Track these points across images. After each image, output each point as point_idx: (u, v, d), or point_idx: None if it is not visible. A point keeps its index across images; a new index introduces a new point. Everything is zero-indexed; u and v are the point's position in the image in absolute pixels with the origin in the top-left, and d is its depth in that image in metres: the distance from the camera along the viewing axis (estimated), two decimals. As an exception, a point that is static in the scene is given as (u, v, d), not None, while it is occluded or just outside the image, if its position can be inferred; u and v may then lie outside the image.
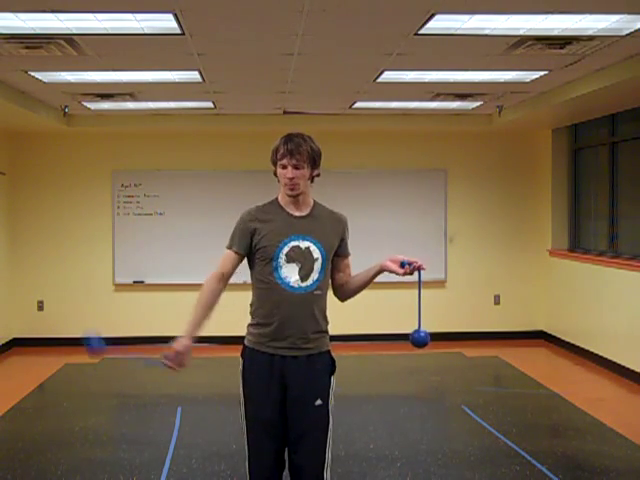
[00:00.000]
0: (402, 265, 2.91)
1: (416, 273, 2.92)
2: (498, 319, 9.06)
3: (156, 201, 8.73)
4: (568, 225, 8.78)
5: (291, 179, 2.90)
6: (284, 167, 2.91)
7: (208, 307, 2.96)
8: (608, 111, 7.38)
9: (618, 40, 4.73)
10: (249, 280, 3.01)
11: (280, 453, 2.94)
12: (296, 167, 2.89)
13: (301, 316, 2.91)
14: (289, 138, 2.93)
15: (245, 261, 3.02)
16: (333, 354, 3.03)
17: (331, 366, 3.00)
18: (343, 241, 3.07)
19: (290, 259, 2.90)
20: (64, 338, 8.65)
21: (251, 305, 3.02)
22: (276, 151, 2.94)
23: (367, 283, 3.07)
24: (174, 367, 2.87)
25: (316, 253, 2.95)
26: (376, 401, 6.30)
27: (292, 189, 2.92)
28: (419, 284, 2.93)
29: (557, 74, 5.91)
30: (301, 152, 2.89)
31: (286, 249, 2.91)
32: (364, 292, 3.18)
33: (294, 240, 2.93)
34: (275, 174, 3.00)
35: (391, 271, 2.93)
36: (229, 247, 2.99)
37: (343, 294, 3.12)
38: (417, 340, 2.97)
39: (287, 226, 2.94)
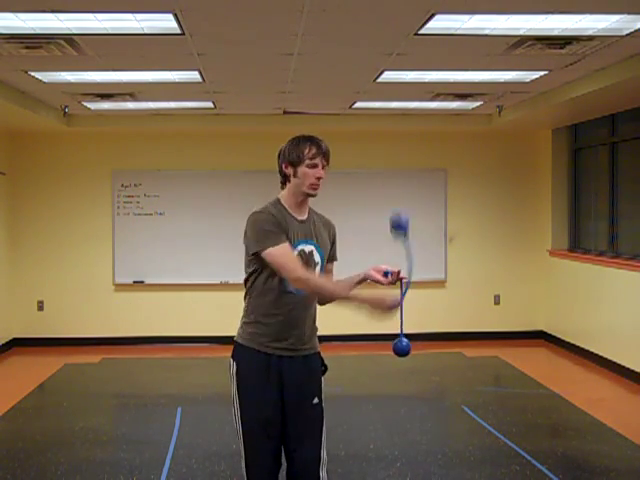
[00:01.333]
0: (385, 274, 2.91)
1: (400, 283, 2.91)
2: (498, 319, 9.06)
3: (156, 201, 8.73)
4: (568, 225, 8.78)
5: (319, 179, 2.90)
6: (315, 166, 2.90)
7: (337, 283, 2.95)
8: (608, 111, 7.38)
9: (618, 40, 4.73)
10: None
11: (278, 453, 2.95)
12: (323, 168, 2.93)
13: (303, 318, 2.93)
14: (314, 139, 2.93)
15: (243, 261, 2.99)
16: (322, 354, 3.06)
17: (322, 366, 3.03)
18: (334, 246, 3.10)
19: None
20: (64, 338, 8.67)
21: (248, 304, 2.98)
22: (303, 150, 2.89)
23: None
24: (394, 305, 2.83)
25: (317, 257, 2.97)
26: (376, 401, 6.30)
27: (316, 189, 2.92)
28: (401, 294, 2.90)
29: (557, 74, 5.90)
30: (329, 157, 2.95)
31: (295, 253, 2.90)
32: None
33: (301, 244, 2.93)
34: (287, 174, 2.94)
35: (375, 280, 2.92)
36: (274, 245, 2.79)
37: (324, 298, 3.04)
38: (400, 349, 2.93)
39: (296, 230, 2.93)
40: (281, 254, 2.80)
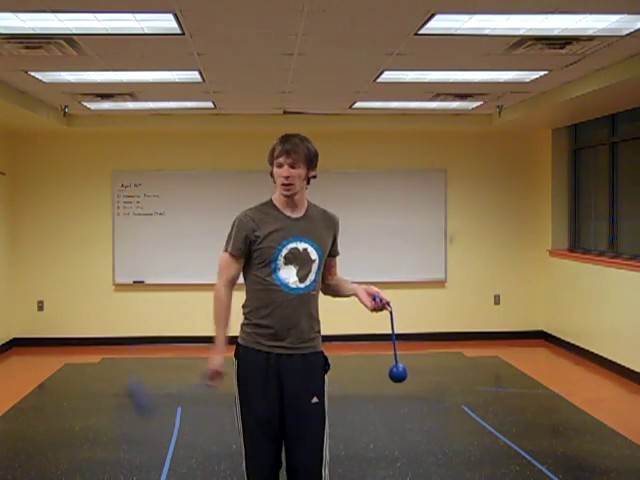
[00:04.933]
0: (375, 299, 2.95)
1: (390, 316, 2.97)
2: (498, 319, 9.06)
3: (156, 201, 8.73)
4: (568, 225, 8.78)
5: (287, 177, 2.89)
6: (280, 166, 2.91)
7: (225, 318, 2.98)
8: (608, 111, 7.38)
9: (618, 40, 4.73)
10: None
11: (277, 452, 2.96)
12: (292, 166, 2.89)
13: (300, 316, 2.93)
14: (286, 138, 2.94)
15: None
16: (326, 354, 3.06)
17: (325, 365, 3.02)
18: (335, 241, 3.10)
19: (288, 261, 2.91)
20: (64, 338, 8.67)
21: (245, 305, 3.03)
22: (273, 151, 2.94)
23: (342, 296, 3.18)
24: (216, 386, 2.96)
25: (314, 254, 2.96)
26: (376, 401, 6.30)
27: (287, 189, 2.91)
28: (392, 324, 2.96)
29: (557, 74, 5.90)
30: (297, 152, 2.90)
31: (285, 251, 2.91)
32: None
33: (292, 242, 2.93)
34: (271, 174, 2.99)
35: (361, 302, 2.98)
36: (227, 250, 2.97)
37: (324, 291, 3.18)
38: (396, 375, 3.01)
39: (285, 228, 2.94)
40: (223, 263, 2.98)
